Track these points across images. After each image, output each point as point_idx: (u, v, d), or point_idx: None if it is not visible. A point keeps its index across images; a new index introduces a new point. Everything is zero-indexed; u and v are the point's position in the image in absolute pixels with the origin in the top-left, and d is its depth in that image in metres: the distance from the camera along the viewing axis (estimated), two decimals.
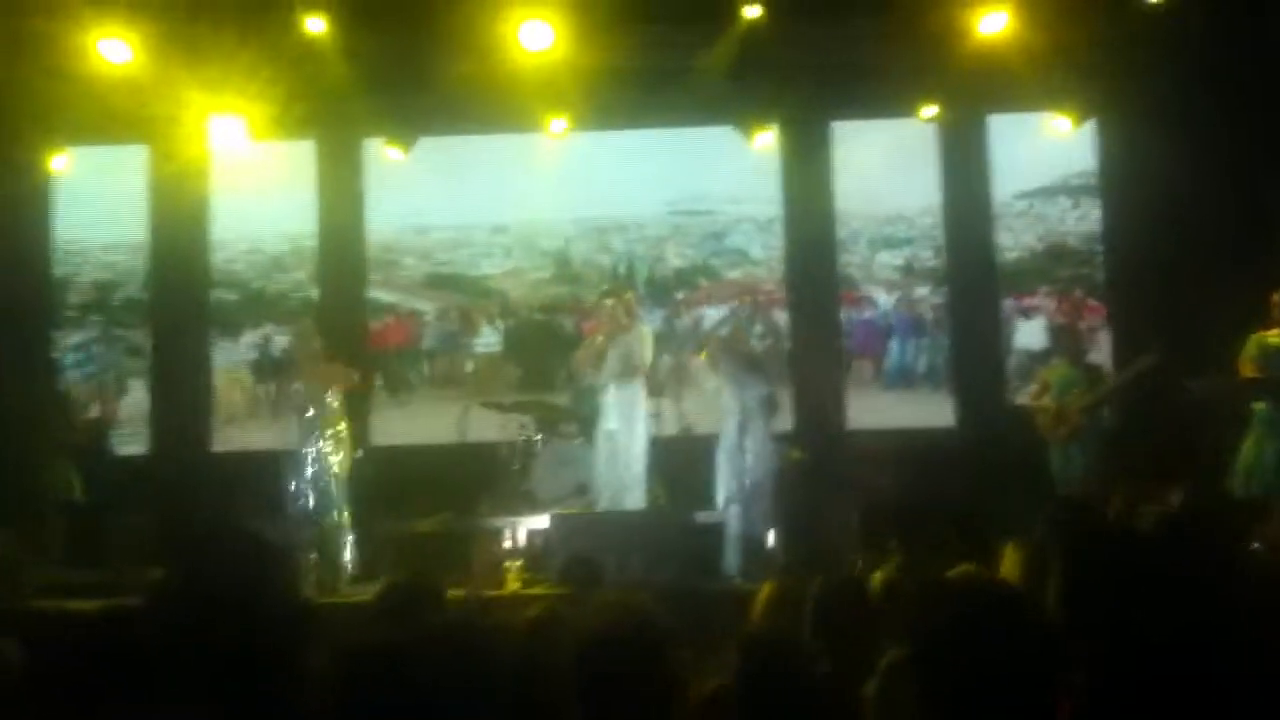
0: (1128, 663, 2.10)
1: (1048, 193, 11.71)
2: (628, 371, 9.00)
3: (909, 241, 11.77)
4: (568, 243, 11.87)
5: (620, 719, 2.58)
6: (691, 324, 11.74)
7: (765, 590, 4.46)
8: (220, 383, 11.62)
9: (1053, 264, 11.69)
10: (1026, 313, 11.56)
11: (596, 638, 2.71)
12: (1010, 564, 4.31)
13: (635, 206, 11.89)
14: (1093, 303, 11.54)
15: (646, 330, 9.44)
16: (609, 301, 9.26)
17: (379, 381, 11.58)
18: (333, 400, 8.86)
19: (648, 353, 9.21)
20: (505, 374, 11.62)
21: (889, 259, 11.77)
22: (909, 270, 11.75)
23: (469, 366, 11.62)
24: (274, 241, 11.88)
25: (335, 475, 8.77)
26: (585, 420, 9.73)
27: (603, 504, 8.88)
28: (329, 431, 8.79)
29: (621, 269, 11.87)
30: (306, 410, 8.87)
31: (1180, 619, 2.13)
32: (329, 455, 8.76)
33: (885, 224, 11.79)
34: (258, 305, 11.75)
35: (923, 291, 11.71)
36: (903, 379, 11.60)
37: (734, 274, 11.88)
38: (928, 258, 11.73)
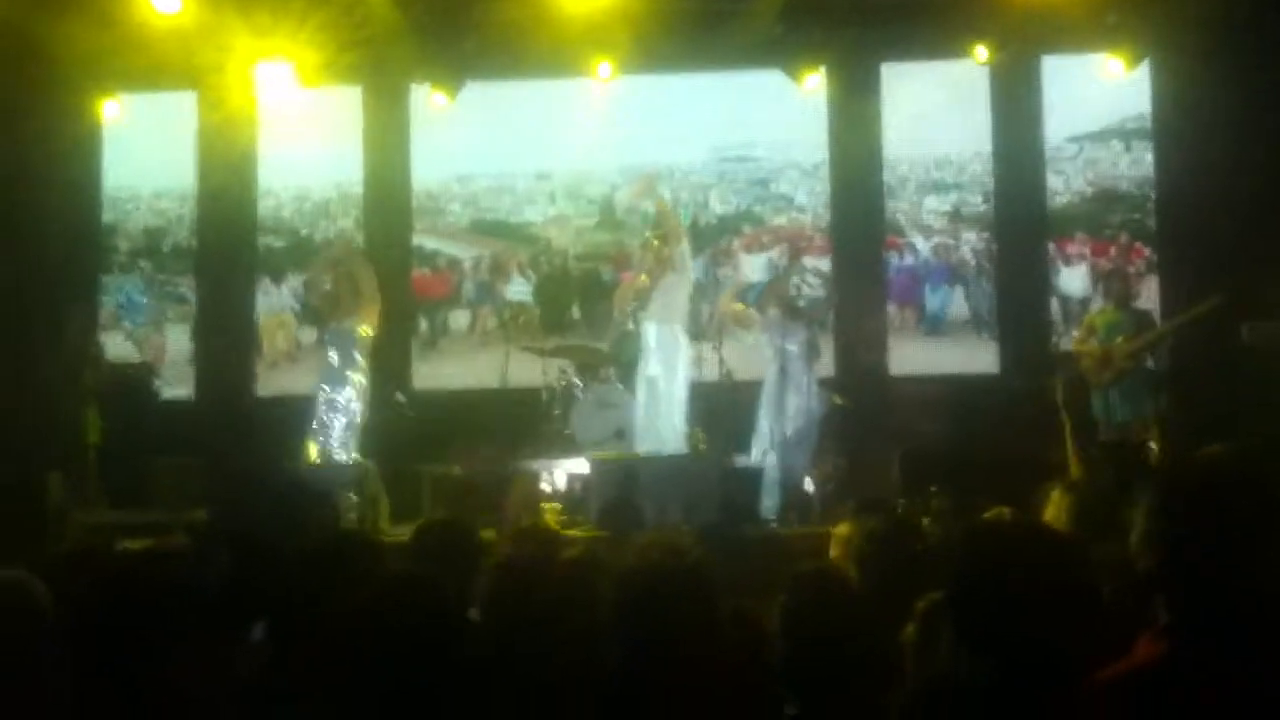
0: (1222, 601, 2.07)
1: (1100, 136, 11.53)
2: (669, 314, 8.91)
3: (957, 186, 11.64)
4: (613, 189, 11.85)
5: (662, 650, 2.60)
6: (732, 271, 11.69)
7: (841, 530, 4.47)
8: (265, 326, 11.73)
9: (1103, 209, 11.53)
10: (1069, 259, 11.42)
11: (639, 572, 2.74)
12: (1056, 508, 4.30)
13: (680, 153, 11.83)
14: (1140, 247, 11.39)
15: (690, 275, 9.38)
16: (655, 242, 9.13)
17: (421, 330, 11.67)
18: (364, 343, 8.91)
19: (686, 297, 9.12)
20: (537, 320, 11.61)
21: (936, 204, 11.65)
22: (956, 216, 11.62)
23: (504, 315, 11.63)
24: (320, 188, 11.96)
25: (360, 418, 8.84)
26: (625, 365, 9.74)
27: (642, 449, 8.86)
28: (356, 376, 8.86)
29: None
30: (334, 352, 8.94)
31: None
32: (354, 398, 8.83)
33: (933, 169, 11.67)
34: (304, 252, 11.83)
35: (969, 236, 11.60)
36: (937, 326, 11.51)
37: (779, 220, 11.82)
38: (976, 203, 11.61)
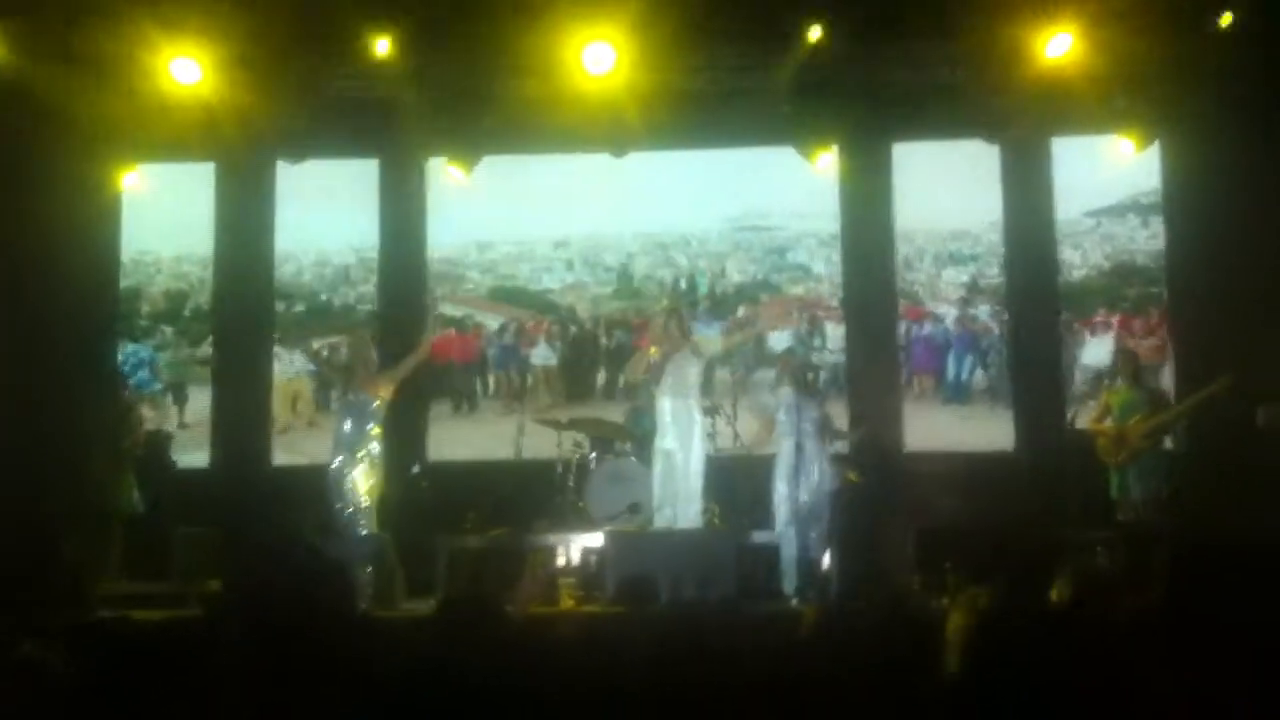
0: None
1: (1116, 211, 11.62)
2: (682, 389, 8.93)
3: (974, 258, 11.72)
4: (630, 258, 11.94)
5: None
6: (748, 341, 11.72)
7: (808, 615, 4.44)
8: (280, 393, 11.78)
9: (1120, 283, 11.59)
10: (1095, 329, 11.44)
11: (659, 653, 2.71)
12: (1063, 590, 4.28)
13: (697, 222, 11.95)
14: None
15: (703, 342, 9.41)
16: (661, 318, 9.18)
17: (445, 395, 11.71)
18: (374, 414, 8.91)
19: (699, 370, 9.14)
20: (561, 389, 11.67)
21: (954, 275, 11.73)
22: (974, 287, 11.69)
23: (527, 381, 11.68)
24: (338, 256, 12.06)
25: (373, 491, 8.84)
26: (640, 438, 9.75)
27: (659, 522, 8.85)
28: (369, 447, 8.87)
29: (683, 284, 11.91)
30: (349, 421, 8.97)
31: None
32: (367, 470, 8.83)
33: (950, 240, 11.75)
34: (322, 317, 11.91)
35: (986, 308, 11.64)
36: (960, 394, 11.51)
37: (796, 290, 11.89)
38: (994, 274, 11.68)
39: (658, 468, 8.93)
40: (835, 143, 11.22)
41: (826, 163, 11.28)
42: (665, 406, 8.96)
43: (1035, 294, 11.43)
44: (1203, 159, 10.52)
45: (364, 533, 8.66)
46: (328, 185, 11.37)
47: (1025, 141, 11.11)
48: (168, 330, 12.04)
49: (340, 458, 8.88)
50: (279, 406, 11.65)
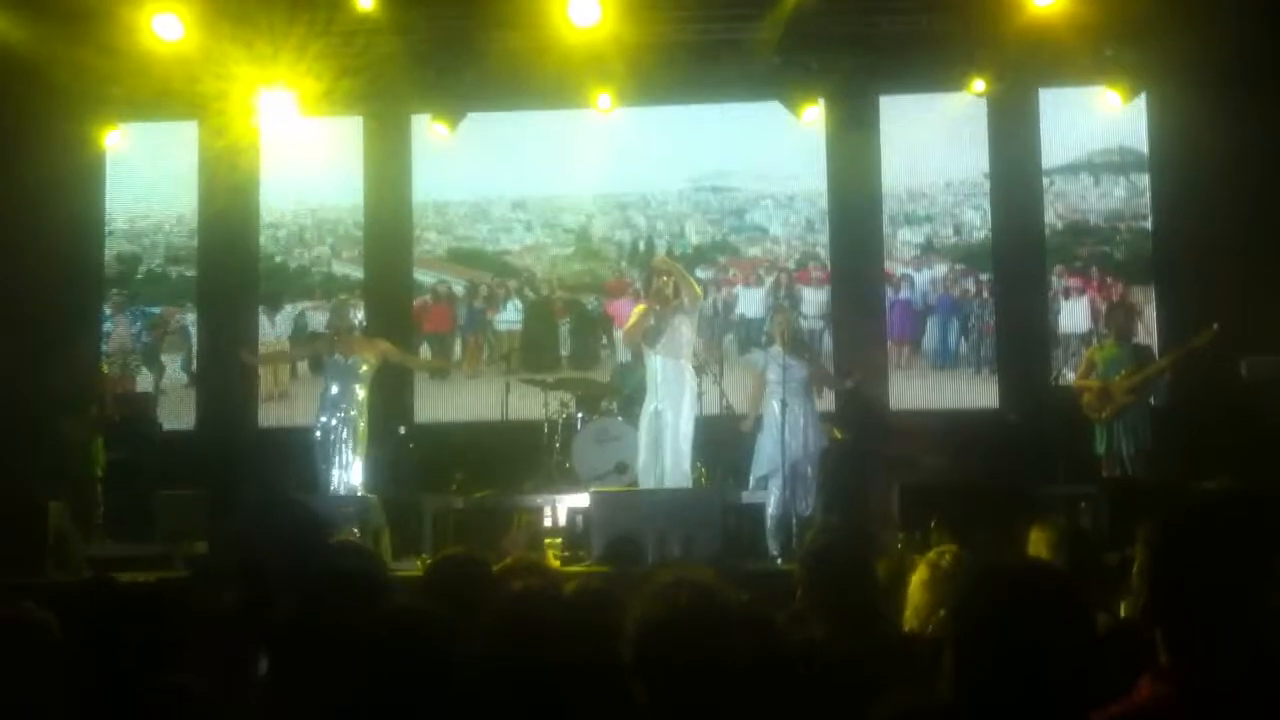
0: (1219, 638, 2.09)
1: (1069, 170, 11.57)
2: (676, 350, 8.82)
3: (929, 219, 11.64)
4: (589, 219, 11.85)
5: (686, 699, 2.57)
6: (721, 305, 11.68)
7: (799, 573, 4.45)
8: (263, 355, 11.69)
9: (1071, 242, 11.54)
10: (1068, 292, 11.43)
11: (661, 618, 2.67)
12: (1038, 546, 4.30)
13: (656, 183, 11.85)
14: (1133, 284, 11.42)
15: (696, 314, 9.30)
16: (663, 278, 8.97)
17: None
18: (361, 377, 8.92)
19: (692, 326, 9.04)
20: (526, 352, 11.59)
21: (910, 236, 11.66)
22: (928, 247, 11.62)
23: (494, 345, 11.62)
24: (320, 215, 11.96)
25: (363, 450, 8.83)
26: (625, 398, 9.72)
27: (645, 483, 8.76)
28: (348, 408, 8.86)
29: (641, 245, 11.85)
30: (335, 384, 8.95)
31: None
32: (354, 432, 8.82)
33: (906, 201, 11.67)
34: (302, 280, 11.85)
35: (962, 268, 11.60)
36: (945, 359, 11.47)
37: (753, 251, 11.82)
38: (948, 235, 11.62)
39: (644, 429, 8.75)
40: (822, 96, 11.17)
41: (813, 116, 11.24)
42: (657, 366, 8.79)
43: (1020, 252, 11.44)
44: (1190, 111, 10.50)
45: (350, 494, 8.68)
46: (305, 144, 11.26)
47: (1013, 95, 11.07)
48: (144, 295, 11.93)
49: (325, 419, 8.90)
50: (263, 369, 11.60)
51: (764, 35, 10.30)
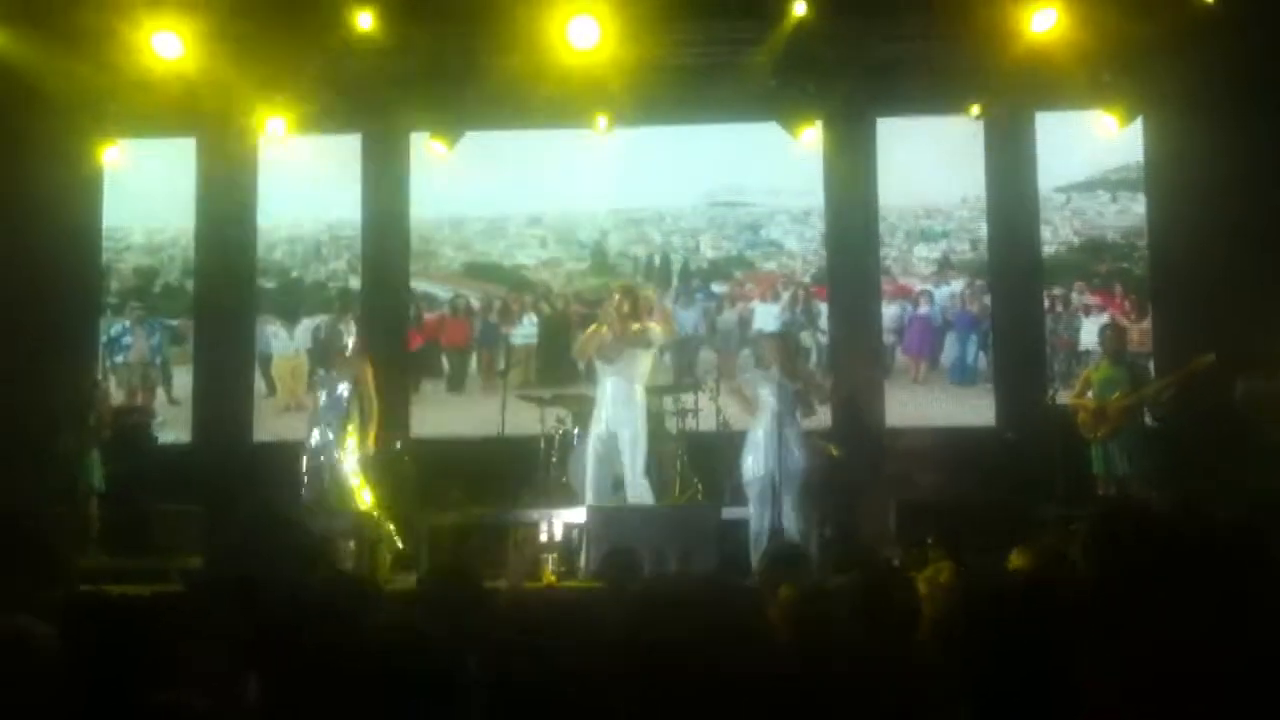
0: (1166, 660, 2.13)
1: (1086, 187, 11.62)
2: (629, 372, 8.74)
3: (945, 234, 11.69)
4: (604, 234, 11.93)
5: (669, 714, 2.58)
6: (737, 318, 11.73)
7: (784, 593, 4.45)
8: (278, 371, 11.75)
9: (1090, 259, 11.60)
10: (1089, 310, 11.44)
11: (642, 630, 2.68)
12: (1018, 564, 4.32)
13: (671, 199, 11.92)
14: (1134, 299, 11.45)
15: (655, 329, 9.16)
16: (616, 297, 8.92)
17: (445, 372, 11.75)
18: (344, 393, 8.93)
19: (649, 356, 8.96)
20: (540, 366, 11.65)
21: (926, 252, 11.70)
22: (945, 263, 11.67)
23: (508, 359, 11.66)
24: (319, 231, 12.01)
25: (356, 467, 8.84)
26: None
27: (599, 502, 8.75)
28: (336, 423, 8.87)
29: (657, 260, 11.90)
30: (325, 400, 8.98)
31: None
32: (346, 447, 8.83)
33: (923, 217, 11.73)
34: (303, 295, 11.89)
35: (960, 284, 11.63)
36: (965, 376, 11.43)
37: (769, 266, 11.88)
38: (964, 250, 11.66)
39: (593, 448, 8.76)
40: (819, 118, 11.22)
41: (811, 138, 11.29)
42: (607, 387, 8.80)
43: (1017, 270, 11.48)
44: (1187, 134, 10.56)
45: (345, 509, 8.68)
46: (305, 161, 11.31)
47: (1010, 118, 11.13)
48: (141, 308, 11.96)
49: (318, 434, 8.92)
50: (281, 383, 11.60)
51: (762, 58, 10.35)
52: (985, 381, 11.42)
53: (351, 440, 8.93)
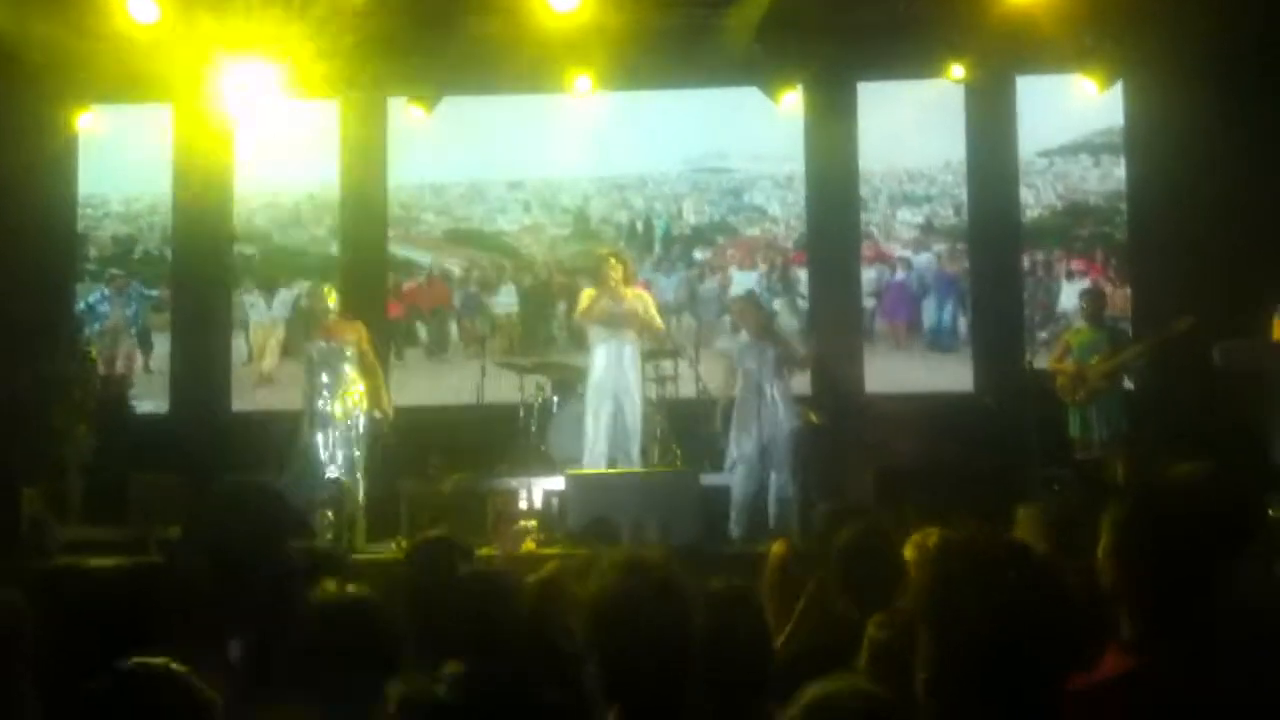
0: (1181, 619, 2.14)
1: (1068, 150, 11.61)
2: (619, 335, 8.88)
3: (929, 199, 11.68)
4: (586, 200, 11.89)
5: (638, 675, 2.58)
6: (718, 287, 11.71)
7: (775, 548, 4.47)
8: (256, 340, 11.70)
9: (1072, 223, 11.61)
10: (1071, 275, 11.45)
11: (611, 593, 2.69)
12: (1025, 526, 4.34)
13: (654, 164, 11.89)
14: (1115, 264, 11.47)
15: (647, 296, 9.34)
16: (611, 259, 9.09)
17: (422, 340, 11.72)
18: (349, 359, 8.85)
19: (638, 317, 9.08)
20: (523, 334, 11.63)
21: (909, 216, 11.70)
22: (928, 228, 11.66)
23: (489, 327, 11.63)
24: (296, 198, 11.94)
25: (349, 435, 8.78)
26: None
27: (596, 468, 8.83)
28: (341, 391, 8.80)
29: (639, 226, 11.87)
30: (318, 369, 8.91)
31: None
32: (340, 414, 8.76)
33: (906, 181, 11.72)
34: (283, 261, 11.81)
35: (943, 248, 11.63)
36: (944, 340, 11.44)
37: (752, 231, 11.86)
38: (948, 215, 11.65)
39: (592, 414, 8.90)
40: (800, 82, 11.18)
41: (792, 102, 11.24)
42: (605, 352, 8.90)
43: (996, 235, 11.48)
44: (1168, 98, 10.55)
45: (326, 477, 8.64)
46: (283, 126, 11.21)
47: (990, 82, 11.10)
48: (119, 277, 11.88)
49: (307, 402, 8.86)
50: (257, 352, 11.53)
51: (743, 22, 10.28)
52: (964, 346, 11.44)
53: (358, 409, 8.81)
